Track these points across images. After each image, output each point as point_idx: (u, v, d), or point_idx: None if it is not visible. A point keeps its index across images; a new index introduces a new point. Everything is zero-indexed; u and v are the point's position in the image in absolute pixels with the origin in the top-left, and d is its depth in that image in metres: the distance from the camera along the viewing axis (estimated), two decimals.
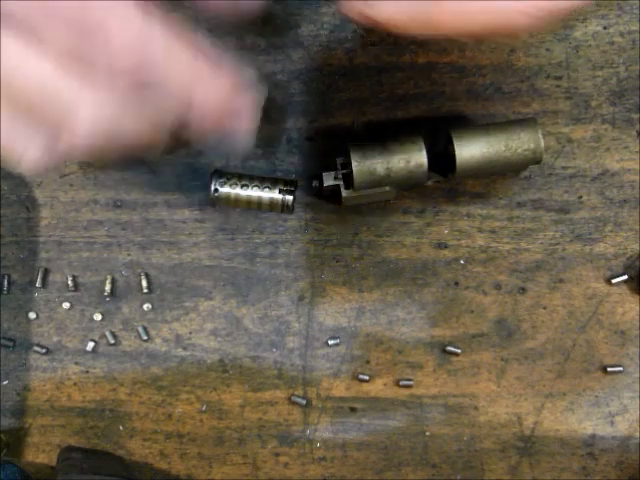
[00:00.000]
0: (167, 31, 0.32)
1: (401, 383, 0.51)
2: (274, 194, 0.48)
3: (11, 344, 0.52)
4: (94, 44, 0.31)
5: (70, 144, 0.32)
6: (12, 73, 0.31)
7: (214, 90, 0.34)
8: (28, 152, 0.34)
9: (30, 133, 0.33)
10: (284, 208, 0.49)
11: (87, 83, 0.32)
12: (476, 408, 0.51)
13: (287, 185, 0.48)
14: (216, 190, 0.48)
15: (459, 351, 0.51)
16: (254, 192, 0.48)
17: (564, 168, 0.51)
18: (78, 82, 0.32)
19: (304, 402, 0.51)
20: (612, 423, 0.51)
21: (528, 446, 0.52)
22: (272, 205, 0.49)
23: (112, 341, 0.52)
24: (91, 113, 0.32)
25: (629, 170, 0.51)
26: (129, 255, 0.52)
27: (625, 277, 0.51)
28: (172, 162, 0.52)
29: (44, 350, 0.52)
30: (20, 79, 0.31)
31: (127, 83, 0.32)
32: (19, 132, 0.33)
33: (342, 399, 0.52)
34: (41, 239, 0.52)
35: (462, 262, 0.52)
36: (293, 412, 0.52)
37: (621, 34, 0.50)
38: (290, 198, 0.48)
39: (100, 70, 0.31)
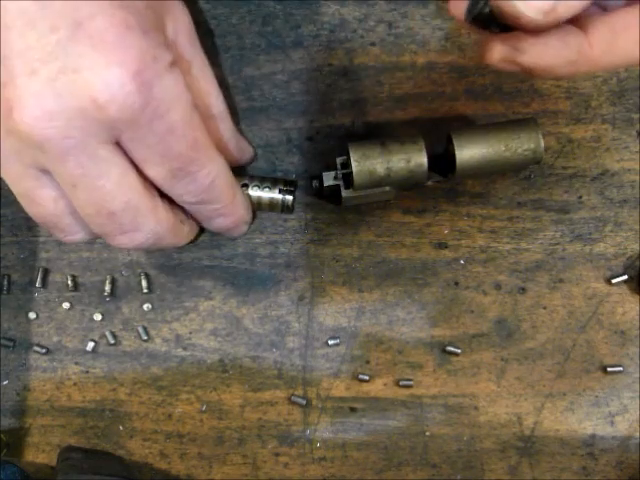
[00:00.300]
0: (227, 169, 0.43)
1: (401, 383, 0.51)
2: (274, 194, 0.48)
3: (11, 344, 0.52)
4: (183, 183, 0.40)
5: (129, 244, 0.40)
6: (109, 192, 0.37)
7: (236, 206, 0.45)
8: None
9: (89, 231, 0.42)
10: (284, 208, 0.48)
11: (157, 205, 0.40)
12: (476, 408, 0.51)
13: (287, 185, 0.48)
14: None
15: (459, 351, 0.51)
16: (254, 192, 0.47)
17: (564, 168, 0.51)
18: (151, 204, 0.39)
19: (304, 402, 0.51)
20: (612, 423, 0.51)
21: (528, 446, 0.52)
22: (272, 205, 0.48)
23: (112, 341, 0.52)
24: (153, 228, 0.40)
25: (629, 170, 0.51)
26: (129, 255, 0.52)
27: (625, 277, 0.51)
28: None
29: (44, 350, 0.52)
30: (111, 197, 0.37)
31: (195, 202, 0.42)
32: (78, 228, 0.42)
33: (342, 399, 0.52)
34: (41, 239, 0.52)
35: (462, 262, 0.52)
36: (293, 412, 0.52)
37: None
38: (290, 198, 0.48)
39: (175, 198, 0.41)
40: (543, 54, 0.34)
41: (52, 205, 0.39)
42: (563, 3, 0.33)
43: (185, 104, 0.37)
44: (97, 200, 0.37)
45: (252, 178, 0.48)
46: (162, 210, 0.40)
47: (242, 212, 0.45)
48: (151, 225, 0.40)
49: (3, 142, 0.36)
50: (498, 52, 0.35)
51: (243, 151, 0.49)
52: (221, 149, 0.42)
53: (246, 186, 0.47)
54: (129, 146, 0.37)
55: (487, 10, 0.34)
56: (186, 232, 0.44)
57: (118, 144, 0.37)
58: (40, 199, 0.39)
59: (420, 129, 0.49)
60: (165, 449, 0.52)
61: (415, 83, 0.51)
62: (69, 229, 0.41)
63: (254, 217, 0.49)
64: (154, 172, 0.38)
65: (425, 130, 0.48)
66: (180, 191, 0.40)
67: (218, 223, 0.45)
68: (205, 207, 0.42)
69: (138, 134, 0.36)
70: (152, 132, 0.36)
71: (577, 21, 0.34)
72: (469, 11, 0.35)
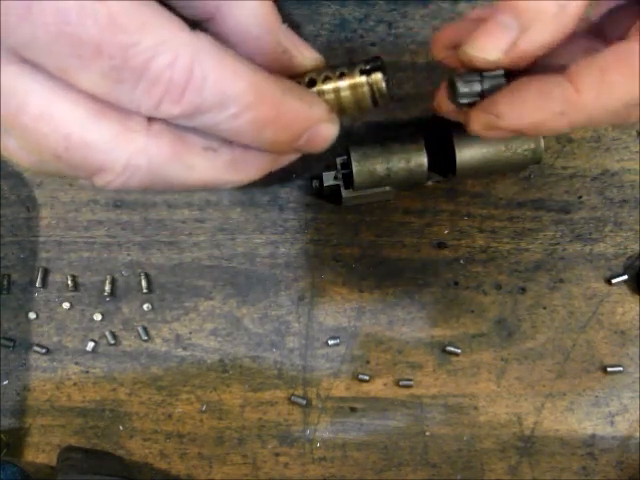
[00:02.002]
0: (218, 47, 0.28)
1: (401, 383, 0.51)
2: (355, 78, 0.33)
3: (11, 344, 0.52)
4: (136, 88, 0.27)
5: (106, 186, 0.30)
6: (35, 123, 0.28)
7: (282, 106, 0.29)
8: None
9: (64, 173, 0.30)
10: (376, 94, 0.33)
11: (123, 130, 0.28)
12: (476, 408, 0.51)
13: (370, 63, 0.33)
14: None
15: (459, 351, 0.51)
16: (326, 86, 0.33)
17: (564, 168, 0.51)
18: (112, 131, 0.28)
19: (304, 402, 0.51)
20: (612, 423, 0.51)
21: (528, 446, 0.52)
22: (357, 96, 0.33)
23: (112, 341, 0.52)
24: (126, 164, 0.28)
25: (629, 170, 0.51)
26: (129, 255, 0.52)
27: (625, 277, 0.51)
28: None
29: (44, 350, 0.52)
30: (44, 129, 0.28)
31: (180, 114, 0.28)
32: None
33: (342, 399, 0.52)
34: (41, 239, 0.52)
35: (462, 262, 0.52)
36: (293, 412, 0.52)
37: None
38: (379, 77, 0.33)
39: (140, 114, 0.28)
40: (523, 112, 0.32)
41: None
42: (525, 37, 0.31)
43: None
44: (30, 145, 0.28)
45: (320, 71, 0.34)
46: (140, 137, 0.28)
47: (299, 109, 0.30)
48: (122, 159, 0.28)
49: None
50: (478, 122, 0.33)
51: (289, 51, 0.33)
52: (245, 49, 0.31)
53: (313, 83, 0.33)
54: (33, 57, 0.26)
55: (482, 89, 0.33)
56: (226, 161, 0.31)
57: (24, 63, 0.27)
58: None
59: (420, 129, 0.49)
60: (165, 449, 0.52)
61: (415, 83, 0.51)
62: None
63: (340, 120, 0.33)
64: (85, 83, 0.27)
65: (425, 130, 0.48)
66: (142, 100, 0.27)
67: (268, 137, 0.30)
68: (212, 117, 0.28)
69: (26, 35, 0.25)
70: (37, 24, 0.25)
71: (562, 68, 0.32)
72: (462, 95, 0.34)
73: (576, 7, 0.30)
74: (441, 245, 0.52)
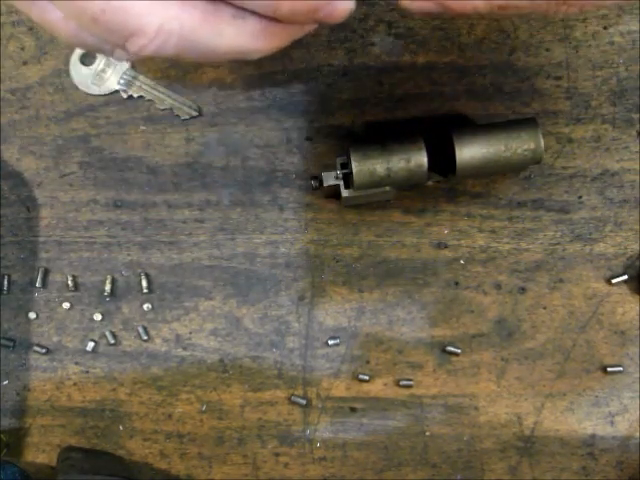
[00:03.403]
0: None
1: (401, 383, 0.51)
2: None
3: (11, 344, 0.52)
4: None
5: (143, 51, 0.31)
6: None
7: None
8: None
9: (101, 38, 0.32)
10: None
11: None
12: (476, 408, 0.51)
13: None
14: None
15: (459, 351, 0.51)
16: None
17: (564, 168, 0.51)
18: None
19: (304, 402, 0.51)
20: (612, 423, 0.51)
21: (528, 446, 0.52)
22: None
23: (112, 341, 0.52)
24: (159, 28, 0.30)
25: (629, 170, 0.51)
26: (129, 255, 0.52)
27: (625, 277, 0.51)
28: (171, 162, 0.52)
29: (44, 350, 0.52)
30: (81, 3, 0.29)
31: None
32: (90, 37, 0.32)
33: (342, 399, 0.52)
34: (41, 239, 0.52)
35: (462, 262, 0.52)
36: (293, 412, 0.52)
37: (621, 34, 0.50)
38: None
39: None
40: None
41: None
42: None
43: None
44: (70, 9, 0.30)
45: None
46: (174, 3, 0.30)
47: None
48: (156, 23, 0.30)
49: None
50: None
51: None
52: None
53: None
54: None
55: None
56: (254, 30, 0.32)
57: None
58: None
59: (420, 129, 0.49)
60: (165, 449, 0.52)
61: (415, 83, 0.51)
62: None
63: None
64: None
65: (425, 130, 0.48)
66: None
67: (287, 8, 0.31)
68: None
69: None
70: None
71: None
72: None
73: None
74: (441, 245, 0.52)
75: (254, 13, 0.32)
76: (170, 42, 0.30)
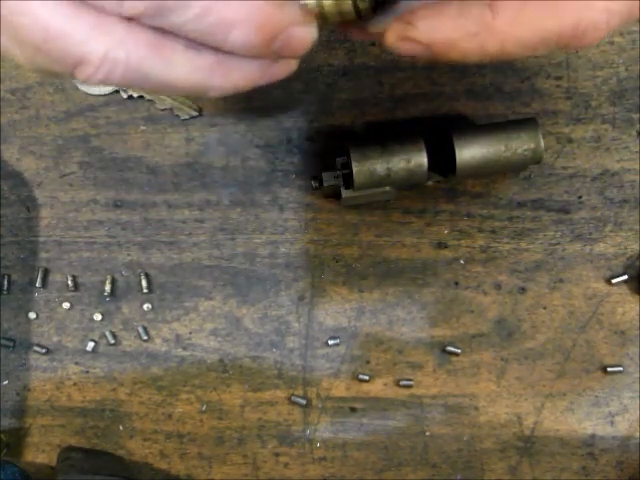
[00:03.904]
0: None
1: (401, 383, 0.51)
2: None
3: (11, 344, 0.52)
4: None
5: (91, 80, 0.29)
6: (14, 15, 0.28)
7: (249, 6, 0.29)
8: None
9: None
10: (358, 3, 0.32)
11: (101, 22, 0.28)
12: (476, 408, 0.51)
13: None
14: None
15: (459, 351, 0.51)
16: None
17: (564, 168, 0.51)
18: (89, 23, 0.28)
19: (304, 402, 0.51)
20: (612, 423, 0.51)
21: (528, 446, 0.52)
22: (340, 4, 0.32)
23: (112, 341, 0.52)
24: (103, 56, 0.28)
25: (629, 170, 0.51)
26: (129, 255, 0.52)
27: (625, 277, 0.51)
28: (171, 162, 0.52)
29: (44, 350, 0.52)
30: (23, 21, 0.28)
31: (142, 13, 0.28)
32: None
33: (342, 399, 0.52)
34: (41, 239, 0.52)
35: (462, 262, 0.52)
36: (293, 412, 0.52)
37: (621, 34, 0.50)
38: None
39: (109, 10, 0.28)
40: (437, 26, 0.30)
41: None
42: None
43: None
44: (12, 37, 0.29)
45: None
46: (118, 29, 0.28)
47: (268, 11, 0.29)
48: (100, 51, 0.28)
49: None
50: (393, 31, 0.32)
51: None
52: None
53: None
54: None
55: None
56: (209, 63, 0.31)
57: None
58: None
59: (420, 129, 0.49)
60: (165, 449, 0.52)
61: (415, 83, 0.51)
62: None
63: (320, 27, 0.32)
64: None
65: (425, 130, 0.48)
66: None
67: (238, 39, 0.29)
68: (177, 17, 0.28)
69: None
70: None
71: None
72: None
73: None
74: (441, 245, 0.52)
75: (208, 45, 0.30)
76: (117, 71, 0.29)
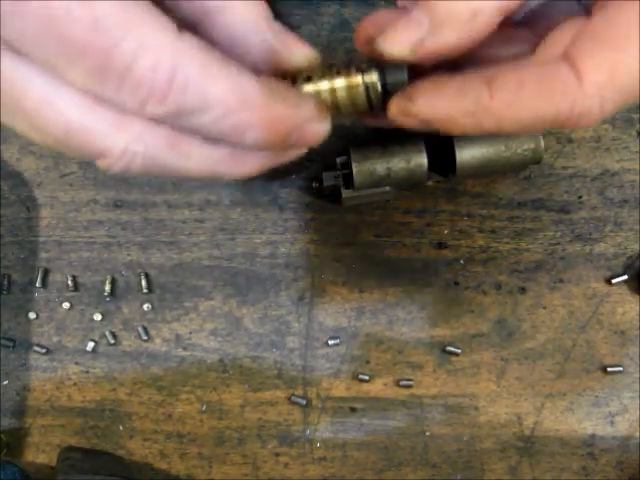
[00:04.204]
0: (202, 50, 0.28)
1: (401, 383, 0.51)
2: (351, 78, 0.33)
3: (11, 344, 0.52)
4: (120, 88, 0.28)
5: (111, 169, 0.30)
6: (37, 109, 0.29)
7: (268, 109, 0.30)
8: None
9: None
10: (371, 95, 0.33)
11: (120, 117, 0.29)
12: (476, 408, 0.51)
13: (366, 63, 0.34)
14: None
15: (459, 351, 0.51)
16: (322, 84, 0.33)
17: (564, 168, 0.51)
18: (109, 118, 0.29)
19: (304, 402, 0.51)
20: (612, 423, 0.51)
21: (528, 446, 0.52)
22: (352, 95, 0.33)
23: (112, 341, 0.52)
24: (123, 150, 0.29)
25: (629, 170, 0.51)
26: (129, 255, 0.52)
27: (625, 277, 0.51)
28: None
29: (44, 350, 0.52)
30: (46, 115, 0.29)
31: (164, 115, 0.29)
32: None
33: (342, 399, 0.52)
34: (41, 239, 0.52)
35: (462, 262, 0.52)
36: (293, 412, 0.52)
37: None
38: (375, 78, 0.33)
39: (131, 110, 0.29)
40: (436, 103, 0.32)
41: None
42: (432, 37, 0.31)
43: None
44: (33, 129, 0.30)
45: (315, 70, 0.34)
46: (137, 124, 0.29)
47: (284, 112, 0.30)
48: (120, 145, 0.29)
49: None
50: (395, 105, 0.33)
51: (279, 51, 0.33)
52: (234, 50, 0.31)
53: (309, 80, 0.33)
54: (25, 50, 0.27)
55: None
56: (224, 154, 0.32)
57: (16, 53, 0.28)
58: None
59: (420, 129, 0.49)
60: (165, 449, 0.52)
61: None
62: None
63: (333, 118, 0.33)
64: (73, 79, 0.28)
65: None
66: (128, 99, 0.28)
67: (254, 138, 0.30)
68: (196, 118, 0.29)
69: (17, 29, 0.26)
70: (27, 19, 0.26)
71: (486, 71, 0.32)
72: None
73: (489, 18, 0.31)
74: (441, 245, 0.52)
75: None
76: (136, 162, 0.30)
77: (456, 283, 0.52)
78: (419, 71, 0.34)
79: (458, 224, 0.51)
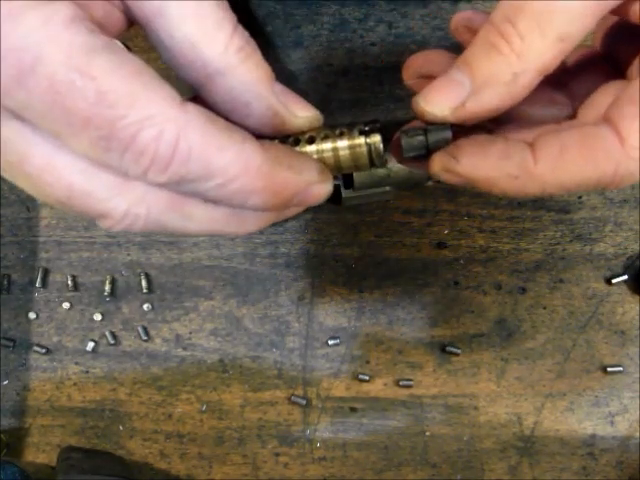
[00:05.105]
0: (206, 120, 0.28)
1: (401, 383, 0.51)
2: (353, 139, 0.33)
3: (11, 344, 0.52)
4: (123, 157, 0.28)
5: (112, 230, 0.31)
6: (39, 173, 0.30)
7: (269, 175, 0.30)
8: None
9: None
10: (373, 155, 0.34)
11: (122, 181, 0.29)
12: (476, 408, 0.51)
13: (369, 124, 0.34)
14: None
15: (459, 351, 0.51)
16: (325, 145, 0.33)
17: None
18: (111, 182, 0.29)
19: (304, 402, 0.51)
20: (612, 423, 0.51)
21: (528, 446, 0.52)
22: (355, 156, 0.34)
23: (112, 341, 0.52)
24: (125, 212, 0.30)
25: None
26: (129, 255, 0.52)
27: (625, 277, 0.51)
28: None
29: (44, 350, 0.52)
30: (48, 179, 0.30)
31: (166, 182, 0.29)
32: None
33: (342, 399, 0.52)
34: (41, 239, 0.52)
35: (462, 262, 0.52)
36: (293, 412, 0.52)
37: None
38: (378, 139, 0.33)
39: (134, 177, 0.29)
40: (480, 164, 0.32)
41: None
42: (473, 99, 0.31)
43: (67, 45, 0.26)
44: (35, 191, 0.31)
45: (319, 130, 0.34)
46: (138, 188, 0.30)
47: (287, 177, 0.31)
48: (122, 208, 0.30)
49: None
50: (438, 161, 0.34)
51: (281, 115, 0.33)
52: (236, 113, 0.31)
53: (312, 141, 0.34)
54: (29, 119, 0.28)
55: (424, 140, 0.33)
56: (226, 214, 0.32)
57: (23, 121, 0.28)
58: None
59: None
60: (165, 449, 0.52)
61: None
62: None
63: (335, 177, 0.34)
64: (77, 147, 0.29)
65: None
66: (130, 168, 0.28)
67: (257, 202, 0.31)
68: (198, 185, 0.29)
69: (22, 99, 0.27)
70: (32, 92, 0.26)
71: (533, 120, 0.33)
72: (407, 150, 0.34)
73: (529, 79, 0.31)
74: (441, 245, 0.52)
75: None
76: (138, 224, 0.30)
77: (456, 283, 0.52)
78: (459, 125, 0.34)
79: (458, 224, 0.51)
